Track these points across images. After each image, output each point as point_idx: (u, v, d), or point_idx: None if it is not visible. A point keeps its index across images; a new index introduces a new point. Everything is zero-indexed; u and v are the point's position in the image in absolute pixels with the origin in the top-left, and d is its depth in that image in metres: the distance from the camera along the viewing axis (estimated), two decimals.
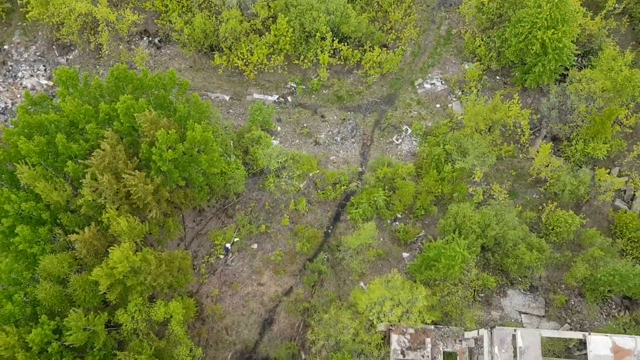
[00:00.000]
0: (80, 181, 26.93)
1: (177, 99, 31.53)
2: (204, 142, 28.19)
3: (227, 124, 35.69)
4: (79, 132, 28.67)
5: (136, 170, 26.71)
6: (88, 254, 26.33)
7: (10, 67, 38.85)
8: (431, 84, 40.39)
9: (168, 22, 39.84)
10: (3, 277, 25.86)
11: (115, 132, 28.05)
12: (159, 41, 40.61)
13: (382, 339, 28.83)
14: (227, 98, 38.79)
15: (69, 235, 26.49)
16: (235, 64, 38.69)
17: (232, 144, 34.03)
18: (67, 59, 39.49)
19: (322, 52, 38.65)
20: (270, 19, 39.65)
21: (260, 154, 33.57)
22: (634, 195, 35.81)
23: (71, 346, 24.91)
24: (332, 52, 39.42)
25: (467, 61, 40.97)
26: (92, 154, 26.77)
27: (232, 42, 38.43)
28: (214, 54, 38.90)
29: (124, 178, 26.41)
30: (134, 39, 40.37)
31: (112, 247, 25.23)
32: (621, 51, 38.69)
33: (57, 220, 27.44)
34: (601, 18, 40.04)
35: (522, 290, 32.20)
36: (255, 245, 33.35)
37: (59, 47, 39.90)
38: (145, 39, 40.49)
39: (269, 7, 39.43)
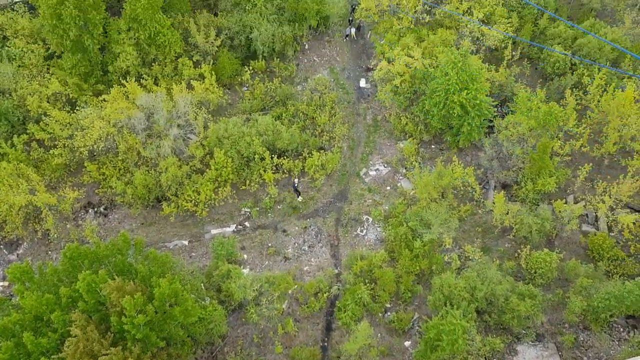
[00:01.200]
0: None
1: (136, 260, 31.00)
2: (174, 294, 27.43)
3: (192, 268, 35.09)
4: (45, 324, 27.40)
5: (112, 348, 25.47)
6: None
7: None
8: (375, 170, 41.61)
9: (109, 189, 40.08)
10: None
11: (82, 312, 27.00)
12: (105, 209, 40.54)
13: None
14: (186, 242, 38.47)
15: None
16: (185, 208, 38.84)
17: (203, 287, 33.29)
18: (18, 254, 38.60)
19: (265, 171, 39.51)
20: (208, 155, 40.60)
21: (234, 287, 32.89)
22: (597, 216, 36.86)
23: None
24: (274, 168, 40.38)
25: (400, 140, 42.77)
26: (65, 343, 25.48)
27: (177, 188, 38.81)
28: (162, 204, 39.04)
29: None
30: (79, 215, 40.15)
31: None
32: (532, 91, 41.56)
33: None
34: (504, 67, 43.27)
35: (530, 343, 31.54)
36: None
37: (6, 245, 39.09)
38: (90, 211, 40.35)
39: (203, 145, 40.53)
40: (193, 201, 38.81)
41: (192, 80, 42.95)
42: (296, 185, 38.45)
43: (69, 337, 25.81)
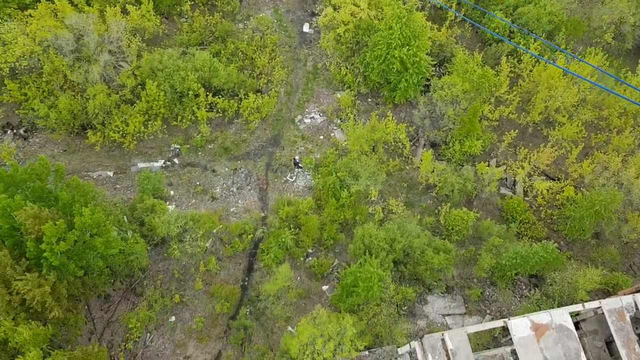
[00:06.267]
0: None
1: (57, 187, 29.86)
2: (96, 224, 26.87)
3: (116, 200, 34.31)
4: None
5: (27, 273, 24.80)
6: None
7: None
8: (310, 118, 41.61)
9: (31, 111, 37.85)
10: None
11: None
12: (25, 131, 38.41)
13: None
14: (111, 174, 37.36)
15: None
16: (112, 138, 37.48)
17: (125, 219, 32.70)
18: None
19: (198, 108, 38.59)
20: (139, 86, 39.02)
21: (158, 222, 32.52)
22: (515, 180, 38.92)
23: None
24: (208, 106, 39.49)
25: (338, 90, 42.82)
26: None
27: (104, 117, 37.27)
28: (87, 132, 37.48)
29: (15, 285, 24.41)
30: None
31: None
32: (470, 53, 42.45)
33: None
34: (447, 28, 43.76)
35: (440, 294, 33.55)
36: (173, 318, 31.98)
37: None
38: (9, 132, 38.11)
39: (135, 75, 38.84)
40: (121, 132, 37.48)
41: (127, 5, 40.61)
42: (297, 161, 38.17)
43: None
